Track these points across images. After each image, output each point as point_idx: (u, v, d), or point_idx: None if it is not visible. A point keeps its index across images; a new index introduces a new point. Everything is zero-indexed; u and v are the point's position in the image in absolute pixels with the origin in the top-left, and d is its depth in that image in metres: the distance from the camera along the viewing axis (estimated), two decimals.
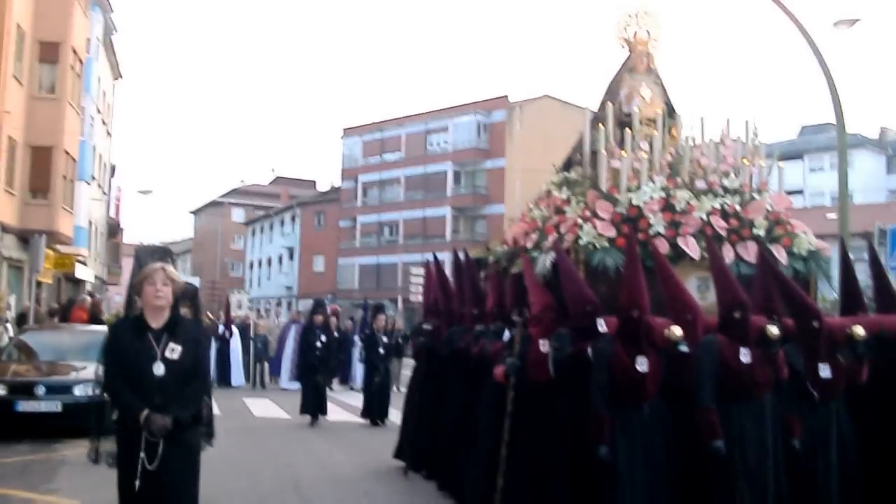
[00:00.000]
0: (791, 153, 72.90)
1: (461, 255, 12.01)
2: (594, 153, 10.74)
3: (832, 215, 48.14)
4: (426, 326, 12.68)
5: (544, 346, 8.48)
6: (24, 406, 14.50)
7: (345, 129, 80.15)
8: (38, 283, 33.78)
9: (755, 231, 10.04)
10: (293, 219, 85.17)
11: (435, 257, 13.46)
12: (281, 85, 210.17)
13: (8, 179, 29.97)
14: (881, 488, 8.45)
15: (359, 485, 11.76)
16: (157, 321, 6.08)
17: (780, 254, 10.02)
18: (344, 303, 58.20)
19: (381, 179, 75.47)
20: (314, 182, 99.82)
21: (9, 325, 22.06)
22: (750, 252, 9.75)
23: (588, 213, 9.98)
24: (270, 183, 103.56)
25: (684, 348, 7.78)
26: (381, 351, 18.44)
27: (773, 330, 7.90)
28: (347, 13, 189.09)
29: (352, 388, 25.50)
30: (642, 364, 7.81)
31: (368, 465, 13.04)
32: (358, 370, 24.52)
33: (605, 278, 9.28)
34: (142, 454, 5.80)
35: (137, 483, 5.78)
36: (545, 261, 9.75)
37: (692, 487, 7.94)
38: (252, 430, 17.19)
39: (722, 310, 8.23)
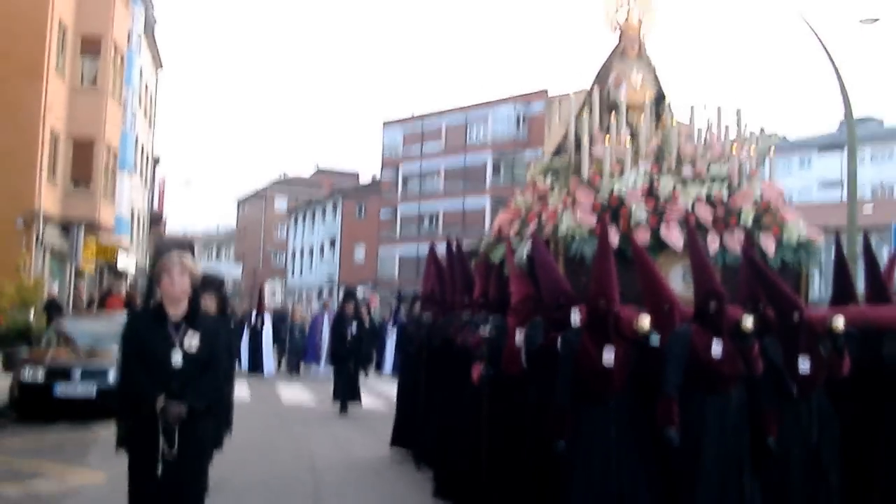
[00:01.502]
0: (830, 145, 72.36)
1: (453, 245, 11.97)
2: (580, 140, 10.54)
3: (868, 208, 48.06)
4: (422, 315, 12.79)
5: (520, 337, 8.44)
6: (62, 389, 15.13)
7: (385, 122, 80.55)
8: (80, 272, 34.61)
9: (742, 220, 9.85)
10: (335, 208, 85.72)
11: (432, 247, 13.47)
12: (323, 77, 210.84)
13: (51, 170, 30.79)
14: (863, 482, 8.36)
15: (372, 470, 12.05)
16: (175, 311, 6.15)
17: (768, 243, 9.83)
18: (384, 292, 58.78)
19: (422, 170, 75.78)
20: (356, 174, 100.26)
21: None
22: (736, 241, 9.59)
23: (570, 201, 9.81)
24: (312, 175, 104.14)
25: (655, 341, 7.69)
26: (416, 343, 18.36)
27: (748, 323, 7.81)
28: (389, 5, 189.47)
29: (387, 375, 25.64)
30: (609, 355, 7.72)
31: (386, 451, 13.21)
32: (390, 358, 24.99)
33: (585, 268, 9.09)
34: (161, 440, 5.86)
35: (160, 467, 5.86)
36: (522, 251, 9.62)
37: (664, 480, 7.85)
38: (278, 415, 17.76)
39: (697, 299, 8.13)
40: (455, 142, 72.74)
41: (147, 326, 6.17)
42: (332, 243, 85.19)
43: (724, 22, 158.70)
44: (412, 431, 12.30)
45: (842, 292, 9.41)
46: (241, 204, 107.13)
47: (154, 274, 6.42)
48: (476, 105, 71.92)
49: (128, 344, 6.21)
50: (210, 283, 9.40)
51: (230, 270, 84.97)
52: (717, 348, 7.79)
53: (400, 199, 77.36)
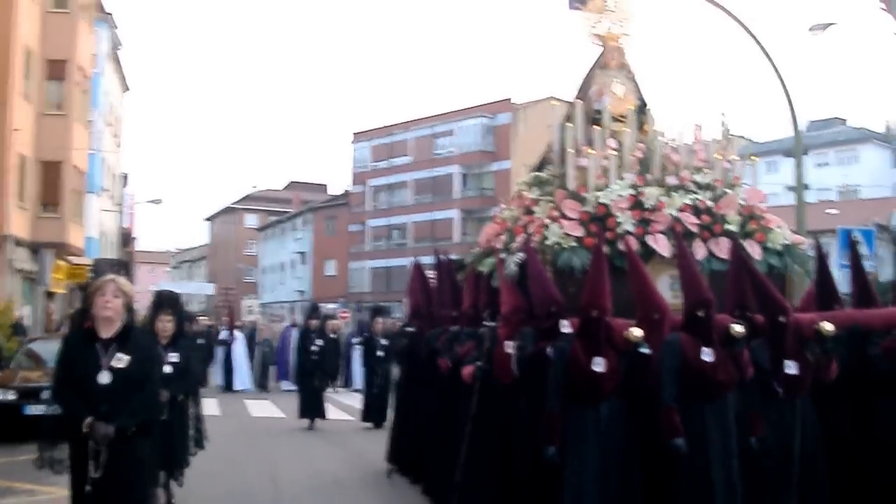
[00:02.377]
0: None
1: (441, 258, 11.96)
2: (564, 151, 10.52)
3: (833, 210, 48.76)
4: (408, 329, 12.68)
5: (509, 347, 8.42)
6: (31, 409, 15.40)
7: (354, 134, 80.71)
8: (50, 294, 34.91)
9: (727, 226, 9.87)
10: (305, 224, 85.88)
11: (417, 261, 13.27)
12: (291, 90, 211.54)
13: (19, 194, 30.87)
14: (848, 485, 8.35)
15: (337, 484, 12.16)
16: (107, 331, 6.13)
17: (753, 249, 9.82)
18: (352, 306, 59.00)
19: (390, 183, 75.96)
20: (326, 186, 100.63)
21: None
22: (722, 248, 9.60)
23: (556, 213, 9.80)
24: (283, 188, 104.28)
25: (645, 350, 7.70)
26: (380, 354, 18.13)
27: (738, 328, 7.82)
28: (354, 21, 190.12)
29: (355, 391, 25.41)
30: (599, 364, 7.70)
31: (353, 466, 13.38)
32: (358, 372, 24.84)
33: (573, 278, 9.11)
34: (90, 461, 5.89)
35: (88, 488, 5.89)
36: (511, 262, 9.58)
37: (655, 488, 7.81)
38: (245, 430, 17.90)
39: (686, 308, 8.09)
40: (423, 155, 72.99)
41: (78, 347, 6.17)
42: (303, 258, 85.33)
43: (688, 28, 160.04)
44: (404, 445, 12.27)
45: (826, 296, 9.43)
46: (212, 221, 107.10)
47: (88, 295, 6.35)
48: (442, 115, 72.29)
49: (60, 365, 6.25)
50: (166, 303, 9.63)
51: (202, 288, 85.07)
52: (707, 355, 7.78)
53: (369, 213, 77.52)
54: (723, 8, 19.00)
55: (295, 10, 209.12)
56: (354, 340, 26.03)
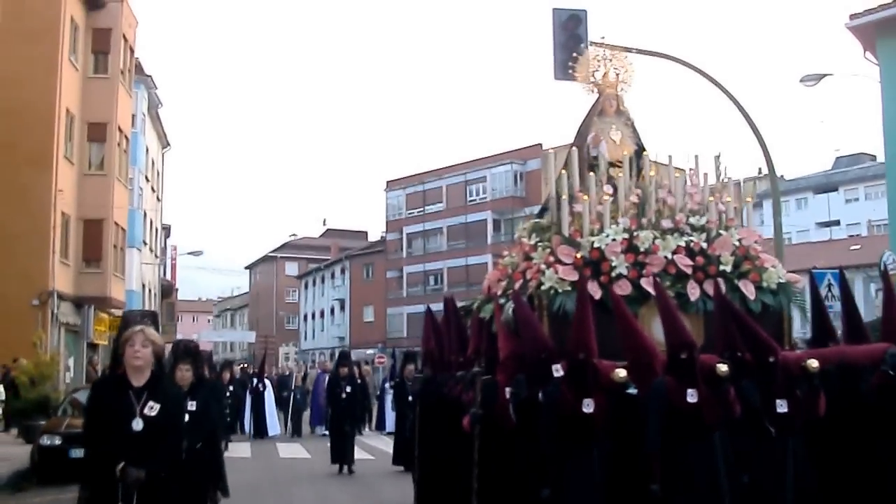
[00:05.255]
0: (826, 186, 73.57)
1: (450, 304, 11.94)
2: (559, 198, 10.55)
3: (856, 247, 49.38)
4: (420, 375, 12.99)
5: (508, 393, 8.47)
6: (76, 453, 16.58)
7: (388, 182, 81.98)
8: (93, 346, 36.34)
9: (722, 267, 9.83)
10: (343, 271, 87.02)
11: (428, 308, 13.31)
12: (326, 140, 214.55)
13: (63, 251, 32.23)
14: None
15: None
16: (138, 380, 6.31)
17: (748, 288, 9.82)
18: (388, 351, 59.78)
19: (425, 230, 77.03)
20: (365, 233, 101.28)
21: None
22: (711, 289, 9.47)
23: (552, 259, 9.83)
24: (321, 235, 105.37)
25: (632, 391, 7.76)
26: (411, 398, 17.41)
27: (723, 368, 7.75)
28: (388, 72, 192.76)
29: (388, 434, 25.55)
30: (588, 405, 7.79)
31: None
32: (390, 416, 24.97)
33: (568, 322, 8.84)
34: None
35: None
36: (508, 308, 9.64)
37: None
38: (272, 468, 18.98)
39: (669, 351, 8.09)
40: (456, 201, 74.08)
41: (110, 394, 6.36)
42: (342, 305, 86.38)
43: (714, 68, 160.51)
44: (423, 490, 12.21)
45: (820, 332, 9.49)
46: (252, 269, 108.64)
47: (118, 345, 6.50)
48: (474, 162, 73.41)
49: (91, 411, 6.49)
50: (185, 353, 9.97)
51: (244, 336, 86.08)
52: (692, 397, 7.75)
53: (405, 260, 78.47)
54: (703, 73, 19.69)
55: (330, 62, 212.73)
56: (387, 385, 26.63)
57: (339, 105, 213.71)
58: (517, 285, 10.11)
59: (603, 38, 12.21)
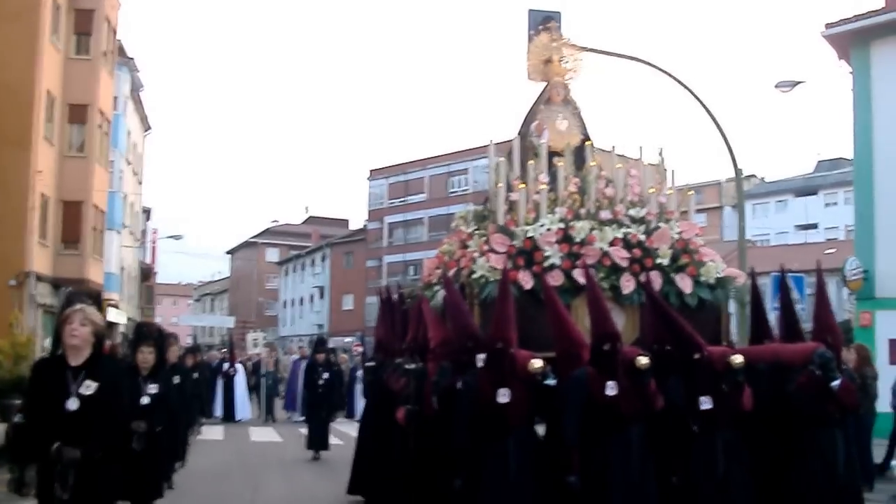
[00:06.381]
0: (807, 189, 73.97)
1: (383, 293, 12.36)
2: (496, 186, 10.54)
3: (830, 250, 49.67)
4: (370, 363, 13.21)
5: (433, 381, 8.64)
6: None
7: (371, 171, 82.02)
8: None
9: (658, 260, 9.83)
10: (323, 259, 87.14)
11: (380, 294, 13.17)
12: (310, 126, 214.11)
13: (41, 232, 32.44)
14: None
15: (314, 499, 13.24)
16: (76, 359, 6.21)
17: (684, 282, 9.80)
18: (367, 339, 59.91)
19: (406, 220, 77.34)
20: (346, 221, 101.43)
21: None
22: (654, 282, 9.52)
23: (486, 247, 9.79)
24: (302, 222, 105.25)
25: (551, 381, 7.91)
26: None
27: (643, 360, 7.86)
28: (372, 60, 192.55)
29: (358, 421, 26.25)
30: (503, 395, 7.86)
31: (331, 488, 14.00)
32: (359, 403, 25.41)
33: None
34: (56, 484, 5.95)
35: None
36: (438, 295, 9.84)
37: None
38: (241, 451, 19.29)
39: (593, 342, 8.15)
40: (438, 192, 74.39)
41: (47, 373, 6.25)
42: (322, 293, 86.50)
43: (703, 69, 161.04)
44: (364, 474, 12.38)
45: (758, 330, 9.68)
46: (233, 254, 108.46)
47: (59, 324, 6.41)
48: (457, 154, 73.60)
49: (30, 391, 6.43)
50: (147, 335, 9.81)
51: (223, 321, 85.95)
52: (612, 390, 7.81)
53: (386, 249, 78.66)
54: (670, 75, 19.87)
55: (315, 49, 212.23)
56: (357, 373, 26.88)
57: (323, 93, 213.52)
58: (451, 273, 10.16)
59: (568, 38, 12.03)
